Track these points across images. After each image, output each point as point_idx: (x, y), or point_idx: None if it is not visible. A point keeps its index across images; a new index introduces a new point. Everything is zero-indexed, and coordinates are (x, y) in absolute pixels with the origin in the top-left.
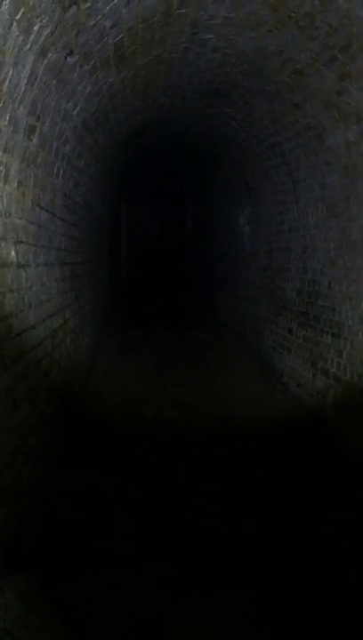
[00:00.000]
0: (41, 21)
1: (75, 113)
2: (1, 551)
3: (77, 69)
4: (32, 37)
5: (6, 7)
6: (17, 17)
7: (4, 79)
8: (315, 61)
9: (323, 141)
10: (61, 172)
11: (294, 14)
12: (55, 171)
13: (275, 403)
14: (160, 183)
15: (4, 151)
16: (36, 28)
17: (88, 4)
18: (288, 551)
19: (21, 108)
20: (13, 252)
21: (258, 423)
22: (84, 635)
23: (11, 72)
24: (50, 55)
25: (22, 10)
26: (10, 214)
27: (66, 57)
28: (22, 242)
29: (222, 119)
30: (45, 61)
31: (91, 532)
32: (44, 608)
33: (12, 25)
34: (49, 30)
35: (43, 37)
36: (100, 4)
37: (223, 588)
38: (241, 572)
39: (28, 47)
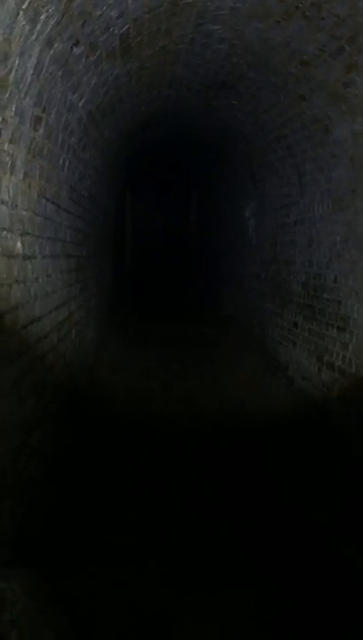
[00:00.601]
0: (47, 11)
1: (80, 104)
2: (6, 545)
3: (83, 60)
4: (38, 27)
5: None
6: (23, 6)
7: (11, 69)
8: (322, 52)
9: (329, 134)
10: (67, 163)
11: (301, 5)
12: (61, 162)
13: (280, 396)
14: (165, 176)
15: (11, 142)
16: (42, 17)
17: None
18: (292, 546)
19: (27, 99)
20: (19, 244)
21: (263, 417)
22: (88, 629)
23: (17, 62)
24: (56, 45)
25: None
26: (16, 206)
27: (72, 47)
28: (28, 233)
29: (228, 111)
30: (52, 51)
31: (95, 527)
32: (48, 602)
33: (18, 14)
34: (55, 20)
35: (49, 27)
36: None
37: (227, 584)
38: (245, 567)
39: (34, 37)
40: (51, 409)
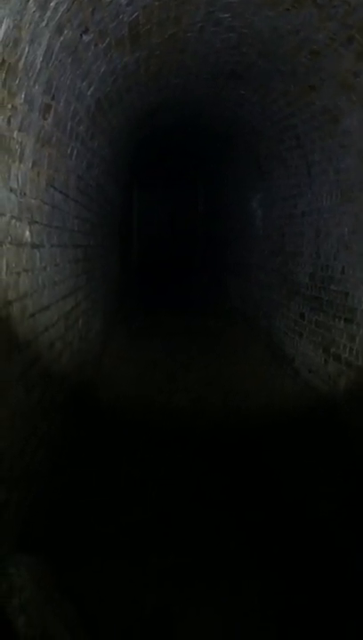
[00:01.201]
0: None
1: (89, 93)
2: (13, 537)
3: (92, 48)
4: (48, 14)
5: None
6: None
7: (21, 56)
8: (332, 42)
9: (339, 124)
10: (75, 152)
11: None
12: (69, 151)
13: (286, 389)
14: (173, 166)
15: (20, 130)
16: (52, 4)
17: None
18: (295, 541)
19: (37, 86)
20: (28, 232)
21: (268, 410)
22: (93, 621)
23: (27, 49)
24: (66, 32)
25: None
26: (25, 194)
27: (81, 35)
28: (37, 222)
29: (237, 101)
30: (61, 39)
31: (99, 520)
32: (55, 589)
33: (28, 0)
34: (65, 7)
35: (59, 14)
36: None
37: (230, 578)
38: (248, 561)
39: (44, 24)
40: (57, 399)
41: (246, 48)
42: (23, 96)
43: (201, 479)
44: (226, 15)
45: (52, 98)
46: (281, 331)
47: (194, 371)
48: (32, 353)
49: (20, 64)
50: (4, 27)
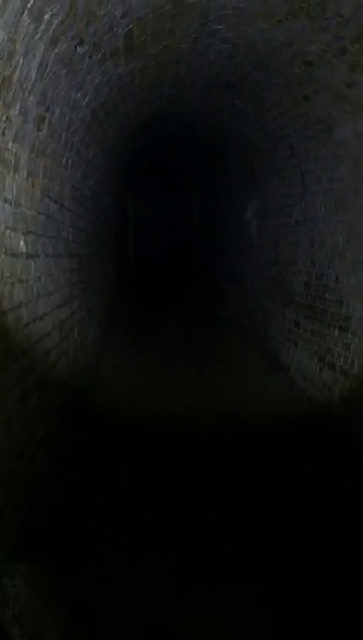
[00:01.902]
0: (52, 10)
1: (84, 104)
2: (11, 540)
3: (87, 59)
4: (43, 26)
5: None
6: (28, 5)
7: (15, 68)
8: (325, 53)
9: (332, 134)
10: (70, 162)
11: (305, 5)
12: (64, 161)
13: (281, 397)
14: (168, 176)
15: (14, 141)
16: (46, 16)
17: None
18: (294, 545)
19: (31, 98)
20: (23, 242)
21: (264, 417)
22: (91, 625)
23: (21, 61)
24: (60, 44)
25: None
26: (19, 204)
27: (76, 47)
28: (31, 232)
29: (231, 111)
30: (56, 51)
31: (98, 523)
32: (51, 597)
33: (23, 13)
34: (59, 19)
35: (53, 26)
36: None
37: (229, 581)
38: (247, 564)
39: (38, 36)
40: (54, 406)
41: (240, 59)
42: (18, 108)
43: (199, 484)
44: (220, 27)
45: (47, 109)
46: (276, 339)
47: (190, 378)
48: (28, 361)
49: (15, 76)
50: None
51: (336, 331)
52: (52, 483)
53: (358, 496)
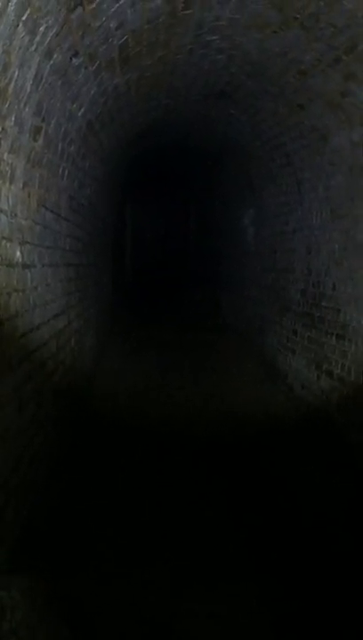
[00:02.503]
0: (47, 22)
1: (80, 114)
2: (9, 548)
3: (82, 70)
4: (38, 38)
5: (12, 8)
6: (23, 18)
7: (10, 80)
8: (319, 62)
9: (327, 142)
10: (66, 172)
11: (299, 15)
12: (60, 172)
13: (279, 404)
14: (164, 185)
15: (10, 152)
16: (41, 29)
17: (93, 6)
18: (292, 545)
19: (27, 109)
20: (19, 253)
21: (262, 424)
22: (90, 630)
23: (16, 73)
24: (55, 56)
25: (28, 11)
26: (15, 215)
27: (71, 58)
28: (28, 242)
29: (226, 120)
30: (51, 62)
31: (97, 529)
32: (48, 608)
33: (17, 26)
34: (54, 31)
35: (48, 38)
36: (105, 6)
37: (228, 580)
38: (246, 564)
39: (33, 48)
40: (51, 415)
41: (235, 69)
42: (13, 119)
43: (198, 489)
44: (214, 37)
45: (43, 120)
46: (274, 347)
47: (187, 386)
48: (24, 370)
49: (10, 88)
50: None
51: (333, 338)
52: (51, 489)
53: (355, 500)
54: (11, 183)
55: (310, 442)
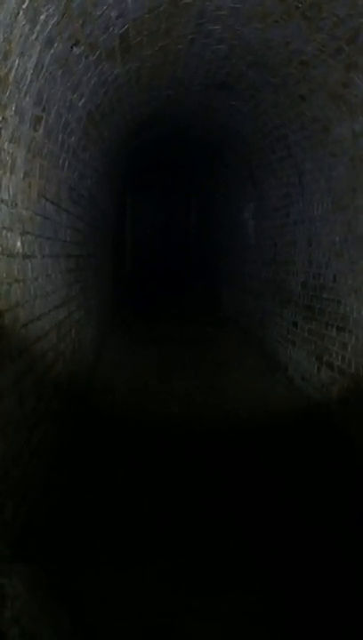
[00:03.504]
0: (47, 10)
1: (80, 104)
2: (9, 544)
3: (83, 60)
4: (38, 27)
5: None
6: (23, 6)
7: (11, 69)
8: (321, 53)
9: (329, 133)
10: (67, 163)
11: (300, 5)
12: (60, 162)
13: (280, 396)
14: (165, 176)
15: (11, 141)
16: (42, 17)
17: None
18: (292, 541)
19: (27, 99)
20: (19, 243)
21: (263, 417)
22: (90, 629)
23: (17, 62)
24: (56, 45)
25: None
26: (16, 205)
27: (72, 47)
28: (28, 233)
29: (228, 112)
30: (51, 51)
31: (97, 525)
32: (49, 599)
33: (18, 14)
34: (55, 20)
35: (49, 27)
36: None
37: (227, 579)
38: (246, 562)
39: (34, 37)
40: (52, 408)
41: (237, 59)
42: (14, 108)
43: (197, 483)
44: (216, 27)
45: (43, 110)
46: (275, 339)
47: (188, 379)
48: (25, 362)
49: (11, 77)
50: None
51: (334, 330)
52: (51, 484)
53: (355, 494)
54: (11, 173)
55: (309, 434)
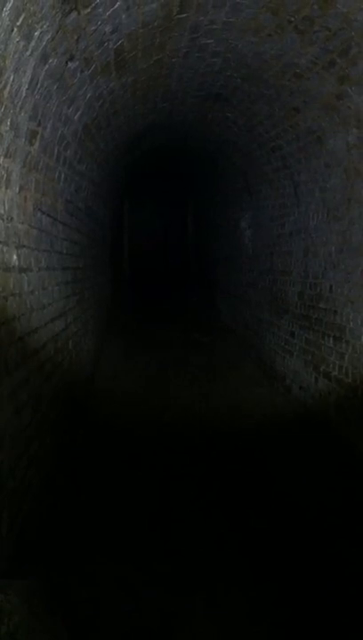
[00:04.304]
0: (41, 27)
1: (76, 118)
2: (6, 554)
3: (78, 74)
4: (33, 43)
5: (7, 13)
6: (18, 23)
7: (5, 85)
8: (314, 65)
9: (323, 145)
10: (63, 176)
11: (293, 19)
12: (57, 175)
13: (278, 406)
14: (162, 188)
15: (6, 156)
16: (36, 33)
17: (88, 10)
18: (290, 545)
19: (23, 114)
20: (15, 257)
21: (260, 425)
22: (89, 633)
23: (12, 78)
24: (51, 60)
25: (23, 15)
26: (12, 219)
27: (67, 62)
28: (24, 246)
29: (223, 123)
30: (46, 67)
31: (95, 533)
32: (46, 612)
33: (12, 31)
34: (50, 36)
35: (43, 43)
36: (100, 10)
37: (226, 582)
38: (245, 566)
39: (28, 53)
40: (49, 418)
41: (231, 72)
42: (9, 123)
43: (196, 490)
44: (210, 41)
45: (39, 124)
46: (272, 349)
47: (186, 388)
48: (22, 374)
49: (6, 92)
50: None
51: (331, 340)
52: (49, 494)
53: (352, 499)
54: (7, 187)
55: (307, 443)
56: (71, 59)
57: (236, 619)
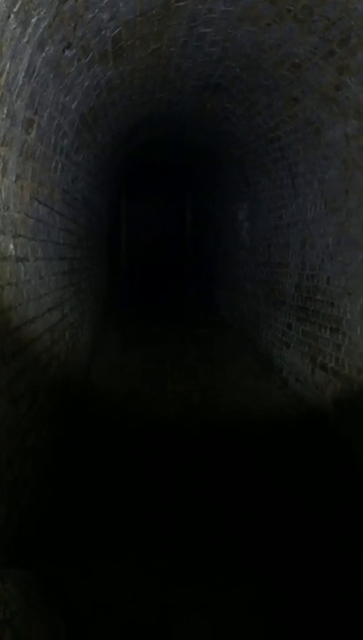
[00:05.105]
0: (39, 14)
1: (73, 107)
2: (3, 549)
3: (75, 63)
4: (30, 30)
5: (3, 0)
6: (14, 9)
7: (2, 72)
8: (313, 55)
9: (322, 136)
10: (60, 166)
11: (292, 8)
12: (53, 165)
13: (274, 398)
14: (160, 178)
15: (2, 144)
16: (33, 20)
17: None
18: (287, 541)
19: (19, 102)
20: (12, 246)
21: (258, 418)
22: (86, 623)
23: (8, 65)
24: (48, 48)
25: (20, 1)
26: (8, 208)
27: (64, 50)
28: (21, 235)
29: (221, 114)
30: (43, 54)
31: (92, 526)
32: (44, 601)
33: (9, 17)
34: (47, 23)
35: (40, 30)
36: None
37: (224, 578)
38: (242, 561)
39: (25, 40)
40: (46, 411)
41: (229, 62)
42: (5, 111)
43: (193, 483)
44: (208, 30)
45: (35, 112)
46: (269, 341)
47: (183, 381)
48: (18, 364)
49: (2, 80)
50: None
51: (328, 332)
52: (46, 488)
53: (356, 495)
54: (3, 176)
55: (304, 435)
56: (68, 46)
57: (233, 611)
